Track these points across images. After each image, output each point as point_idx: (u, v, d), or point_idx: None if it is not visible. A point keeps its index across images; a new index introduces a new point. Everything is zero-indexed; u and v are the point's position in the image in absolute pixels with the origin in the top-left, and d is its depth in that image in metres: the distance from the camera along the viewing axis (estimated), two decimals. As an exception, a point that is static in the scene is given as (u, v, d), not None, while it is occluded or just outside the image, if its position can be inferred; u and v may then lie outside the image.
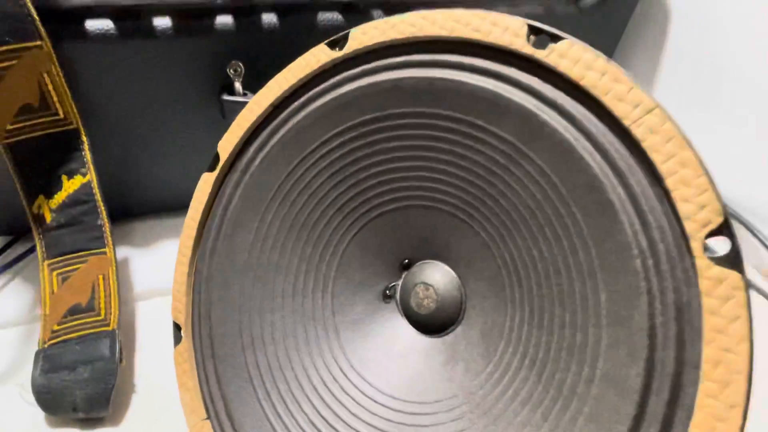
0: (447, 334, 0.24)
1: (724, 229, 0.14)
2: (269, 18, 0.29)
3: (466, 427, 0.20)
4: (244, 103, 0.29)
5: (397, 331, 0.25)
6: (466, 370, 0.22)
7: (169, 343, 0.28)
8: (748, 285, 0.14)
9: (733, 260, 0.14)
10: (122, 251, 0.34)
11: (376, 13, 0.30)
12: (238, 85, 0.29)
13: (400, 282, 0.25)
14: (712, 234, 0.14)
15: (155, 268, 0.33)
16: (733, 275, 0.14)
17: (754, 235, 0.35)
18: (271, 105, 0.24)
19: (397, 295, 0.25)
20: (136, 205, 0.34)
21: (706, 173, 0.15)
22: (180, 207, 0.36)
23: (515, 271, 0.20)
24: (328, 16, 0.30)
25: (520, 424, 0.18)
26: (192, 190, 0.34)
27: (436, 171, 0.22)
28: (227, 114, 0.30)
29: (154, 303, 0.31)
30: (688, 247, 0.15)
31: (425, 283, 0.24)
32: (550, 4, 0.35)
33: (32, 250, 0.33)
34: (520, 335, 0.20)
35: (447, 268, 0.24)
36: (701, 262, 0.14)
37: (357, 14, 0.30)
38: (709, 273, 0.14)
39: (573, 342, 0.17)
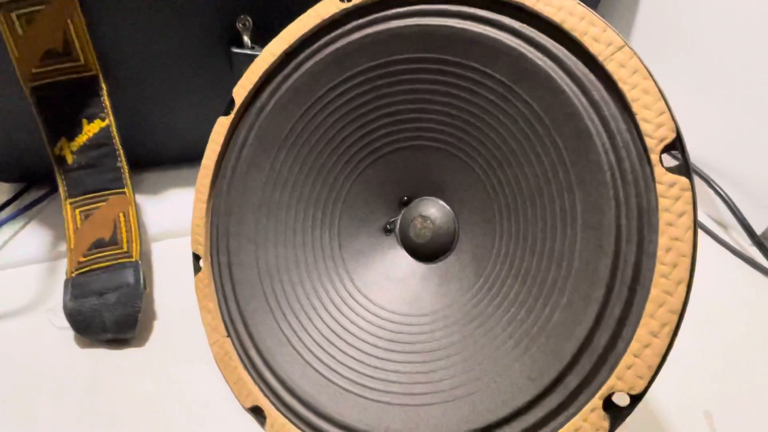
0: (442, 260, 0.27)
1: (677, 142, 0.18)
2: (276, -26, 0.31)
3: (458, 331, 0.23)
4: (251, 56, 0.32)
5: (396, 260, 0.28)
6: (459, 287, 0.25)
7: (185, 277, 0.31)
8: (694, 187, 0.17)
9: (683, 169, 0.17)
10: (132, 199, 0.36)
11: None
12: (246, 39, 0.31)
13: (399, 217, 0.28)
14: (667, 148, 0.18)
15: (165, 212, 0.35)
16: (682, 179, 0.17)
17: (709, 184, 0.40)
18: (284, 53, 0.26)
19: (397, 229, 0.28)
20: (146, 156, 0.36)
21: (663, 98, 0.18)
22: (187, 160, 0.38)
23: (504, 196, 0.23)
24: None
25: (506, 321, 0.22)
26: (198, 145, 0.36)
27: (434, 113, 0.25)
28: (235, 66, 0.32)
29: (166, 243, 0.33)
30: (648, 159, 0.18)
31: (423, 216, 0.27)
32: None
33: (46, 196, 0.34)
34: (507, 251, 0.23)
35: (442, 202, 0.27)
36: (658, 170, 0.18)
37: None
38: (663, 179, 0.18)
39: (552, 248, 0.21)
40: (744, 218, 0.37)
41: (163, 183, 0.37)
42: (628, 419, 0.18)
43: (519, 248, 0.22)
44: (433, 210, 0.27)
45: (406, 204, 0.28)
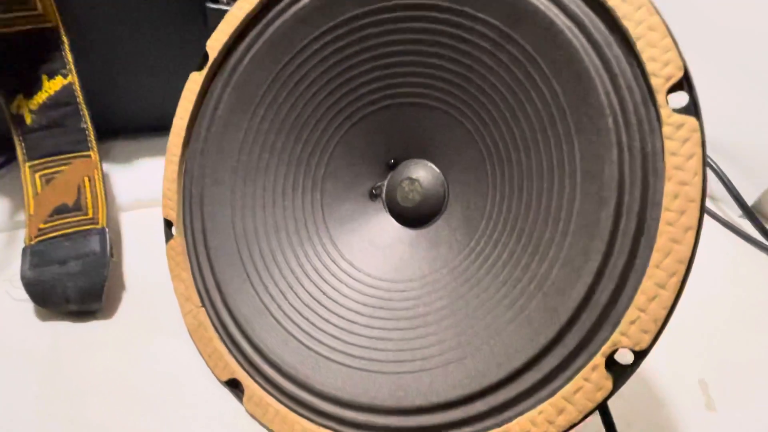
0: (431, 224, 0.25)
1: (684, 81, 0.16)
2: (253, -76, 0.29)
3: (448, 294, 0.22)
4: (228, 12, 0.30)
5: (383, 226, 0.26)
6: (449, 250, 0.23)
7: (156, 246, 0.29)
8: (703, 128, 0.16)
9: (691, 109, 0.16)
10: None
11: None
12: (221, -7, 0.30)
13: (385, 182, 0.27)
14: (674, 88, 0.17)
15: (135, 182, 0.33)
16: (690, 120, 0.16)
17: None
18: (261, 3, 0.25)
19: (383, 194, 0.27)
20: (115, 123, 0.34)
21: (670, 35, 0.17)
22: (158, 127, 0.36)
23: (497, 153, 0.22)
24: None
25: (500, 282, 0.20)
26: (170, 110, 0.34)
27: (423, 65, 0.23)
28: (210, 23, 0.30)
29: (137, 213, 0.31)
30: (653, 101, 0.17)
31: (410, 178, 0.26)
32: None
33: (7, 162, 0.32)
34: (500, 210, 0.22)
35: (431, 164, 0.26)
36: (664, 111, 0.16)
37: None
38: (670, 120, 0.16)
39: (550, 203, 0.19)
40: (735, 189, 0.36)
41: (134, 151, 0.35)
42: (623, 388, 0.17)
43: (513, 206, 0.21)
44: (422, 172, 0.26)
45: (393, 167, 0.27)
